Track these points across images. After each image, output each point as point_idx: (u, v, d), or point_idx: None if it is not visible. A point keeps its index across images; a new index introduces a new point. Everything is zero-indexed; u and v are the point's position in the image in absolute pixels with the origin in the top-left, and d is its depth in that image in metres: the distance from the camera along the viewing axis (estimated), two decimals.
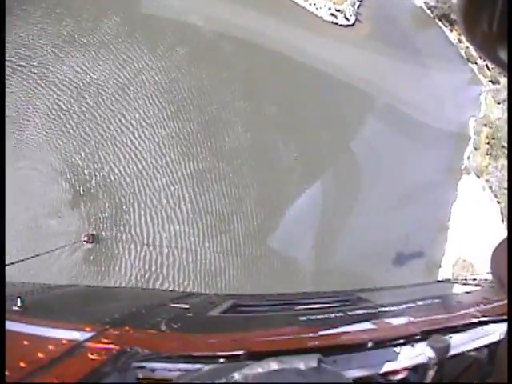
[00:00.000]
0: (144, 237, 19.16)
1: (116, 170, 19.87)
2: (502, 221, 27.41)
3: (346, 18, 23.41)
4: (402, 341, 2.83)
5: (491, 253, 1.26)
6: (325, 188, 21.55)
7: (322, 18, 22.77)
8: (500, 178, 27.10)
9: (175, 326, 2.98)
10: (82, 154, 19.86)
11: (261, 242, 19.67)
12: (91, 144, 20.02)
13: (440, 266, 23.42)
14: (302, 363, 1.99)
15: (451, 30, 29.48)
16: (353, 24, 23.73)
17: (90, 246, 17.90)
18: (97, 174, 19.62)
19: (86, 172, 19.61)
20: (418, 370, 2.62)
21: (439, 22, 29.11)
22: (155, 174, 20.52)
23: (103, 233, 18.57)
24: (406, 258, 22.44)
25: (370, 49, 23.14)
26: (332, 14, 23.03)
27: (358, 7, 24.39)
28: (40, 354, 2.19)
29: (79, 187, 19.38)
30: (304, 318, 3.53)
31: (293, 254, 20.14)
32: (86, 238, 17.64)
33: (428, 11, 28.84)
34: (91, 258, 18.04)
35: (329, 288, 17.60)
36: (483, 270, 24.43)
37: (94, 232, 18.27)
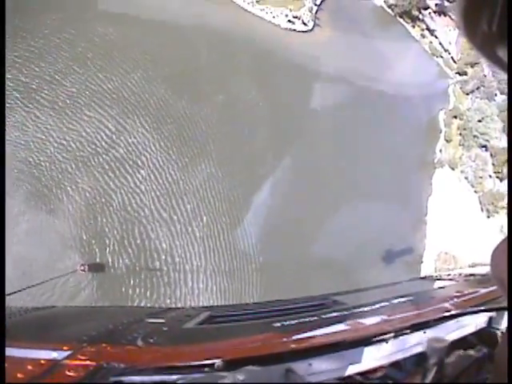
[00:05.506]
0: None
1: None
2: (482, 210, 27.11)
3: (304, 24, 23.29)
4: (376, 339, 2.84)
5: (491, 253, 1.22)
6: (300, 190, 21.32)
7: (279, 25, 22.57)
8: (475, 168, 26.89)
9: (151, 340, 2.97)
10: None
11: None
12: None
13: (422, 262, 22.99)
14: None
15: (413, 27, 29.57)
16: (311, 29, 23.58)
17: (87, 275, 18.60)
18: None
19: None
20: (395, 366, 2.66)
21: (401, 20, 29.19)
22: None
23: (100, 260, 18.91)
24: (387, 258, 22.12)
25: (330, 54, 22.88)
26: (289, 21, 22.90)
27: (316, 12, 24.31)
28: (19, 375, 2.26)
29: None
30: (278, 325, 3.50)
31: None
32: (82, 268, 18.45)
33: (388, 10, 28.91)
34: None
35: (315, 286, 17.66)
36: (465, 261, 24.07)
37: (90, 261, 18.74)
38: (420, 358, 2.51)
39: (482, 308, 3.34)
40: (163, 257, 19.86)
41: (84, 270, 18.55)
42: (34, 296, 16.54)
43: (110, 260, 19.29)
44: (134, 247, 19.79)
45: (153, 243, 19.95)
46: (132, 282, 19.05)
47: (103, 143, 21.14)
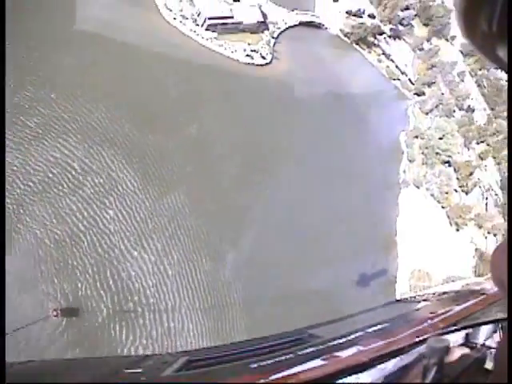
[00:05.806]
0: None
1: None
2: (450, 224, 27.75)
3: (263, 57, 23.97)
4: (352, 370, 2.86)
5: (491, 253, 1.21)
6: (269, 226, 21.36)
7: (238, 60, 23.17)
8: (440, 184, 27.65)
9: None
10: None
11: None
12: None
13: (395, 282, 23.16)
14: None
15: (370, 52, 30.71)
16: (270, 62, 24.27)
17: (61, 320, 18.42)
18: None
19: None
20: None
21: (357, 47, 30.34)
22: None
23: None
24: (362, 282, 22.10)
25: (287, 86, 23.50)
26: (248, 55, 23.53)
27: (274, 45, 25.08)
28: None
29: None
30: (255, 365, 3.50)
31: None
32: (55, 313, 18.19)
33: (345, 38, 30.00)
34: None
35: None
36: (439, 276, 24.44)
37: (63, 306, 18.59)
38: (420, 358, 2.50)
39: (457, 327, 3.42)
40: (136, 298, 19.52)
41: (57, 316, 18.26)
42: (8, 347, 15.95)
43: (82, 304, 18.94)
44: (107, 289, 19.39)
45: (125, 284, 19.61)
46: (107, 325, 18.64)
47: (70, 184, 20.96)
